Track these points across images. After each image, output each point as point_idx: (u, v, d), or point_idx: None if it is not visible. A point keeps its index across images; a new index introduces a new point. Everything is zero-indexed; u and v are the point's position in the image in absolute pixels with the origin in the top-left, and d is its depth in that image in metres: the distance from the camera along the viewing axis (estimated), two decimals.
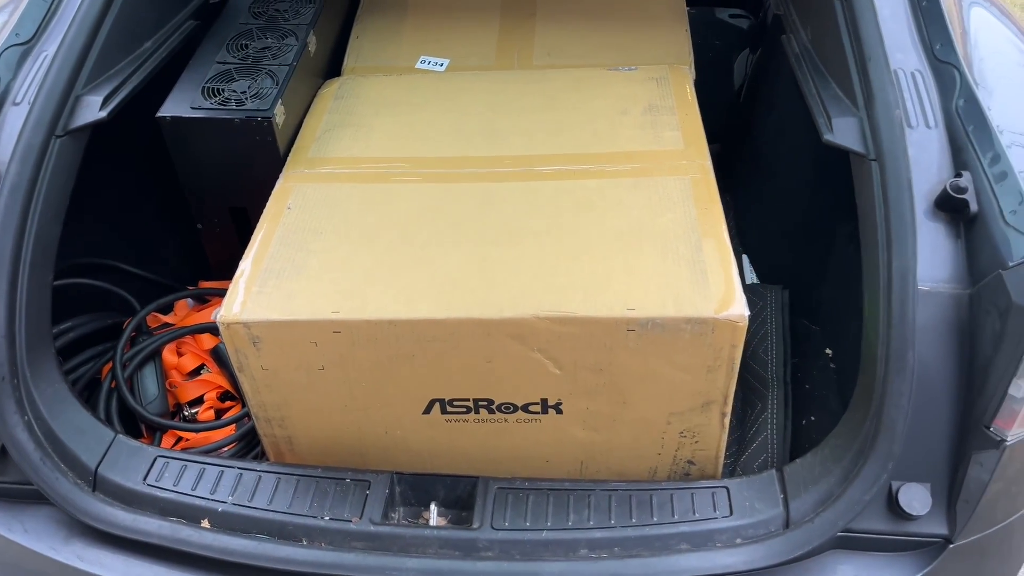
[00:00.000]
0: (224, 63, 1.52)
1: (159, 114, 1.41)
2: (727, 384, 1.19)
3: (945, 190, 1.15)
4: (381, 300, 1.17)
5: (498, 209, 1.31)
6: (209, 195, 1.52)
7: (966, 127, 1.20)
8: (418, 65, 1.73)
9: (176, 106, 1.42)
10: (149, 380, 1.46)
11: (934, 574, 1.14)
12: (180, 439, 1.43)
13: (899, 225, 1.14)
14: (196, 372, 1.54)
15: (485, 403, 1.23)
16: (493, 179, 1.38)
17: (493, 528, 1.15)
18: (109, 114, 1.33)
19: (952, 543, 1.13)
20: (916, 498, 1.12)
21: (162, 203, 1.68)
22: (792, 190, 1.69)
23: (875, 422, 1.11)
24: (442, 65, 1.72)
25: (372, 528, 1.15)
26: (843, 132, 1.26)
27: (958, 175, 1.17)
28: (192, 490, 1.20)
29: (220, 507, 1.19)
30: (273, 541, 1.16)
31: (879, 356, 1.12)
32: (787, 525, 1.15)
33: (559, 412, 1.23)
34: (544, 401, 1.22)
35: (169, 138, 1.44)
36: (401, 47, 1.78)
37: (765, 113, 1.77)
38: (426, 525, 1.18)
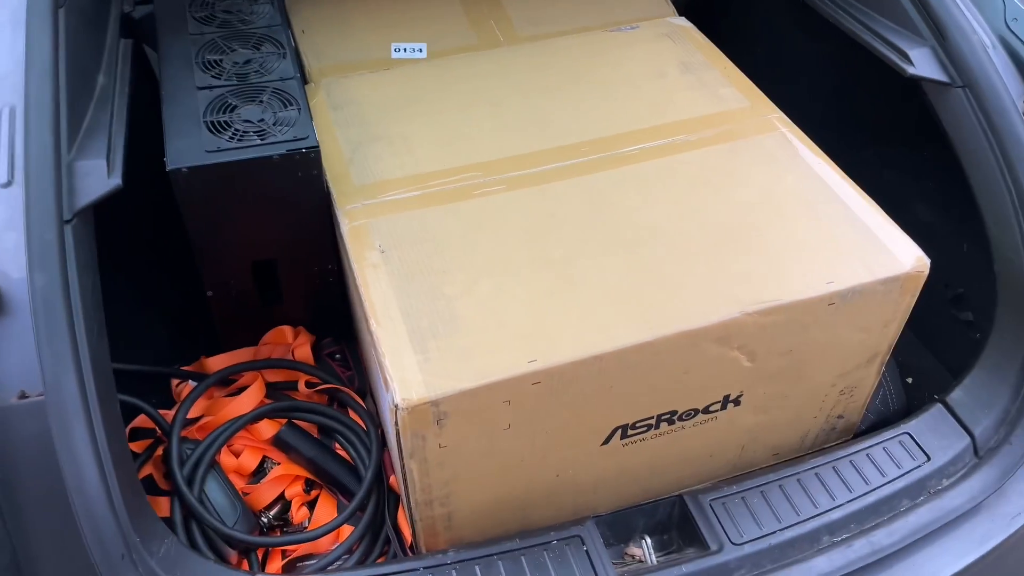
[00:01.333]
0: (210, 88, 1.21)
1: (171, 167, 1.09)
2: (896, 334, 1.19)
3: None
4: (572, 334, 1.01)
5: (613, 203, 1.19)
6: (230, 251, 1.22)
7: None
8: (394, 55, 1.50)
9: (185, 154, 1.11)
10: (219, 494, 1.17)
11: None
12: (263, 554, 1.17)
13: (1017, 145, 1.19)
14: (259, 469, 1.26)
15: (668, 416, 1.13)
16: (583, 171, 1.24)
17: (734, 544, 1.07)
18: (122, 178, 1.01)
19: None
20: None
21: (135, 273, 1.33)
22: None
23: None
24: (421, 50, 1.51)
25: None
26: (923, 63, 1.28)
27: None
28: None
29: None
30: None
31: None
32: (976, 452, 1.18)
33: (737, 404, 1.16)
34: (726, 397, 1.15)
35: (183, 193, 1.12)
36: (361, 37, 1.53)
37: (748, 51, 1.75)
38: (674, 563, 1.06)
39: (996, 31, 1.29)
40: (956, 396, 1.23)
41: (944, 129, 1.28)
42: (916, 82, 1.29)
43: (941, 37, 1.27)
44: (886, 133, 1.50)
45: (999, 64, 1.25)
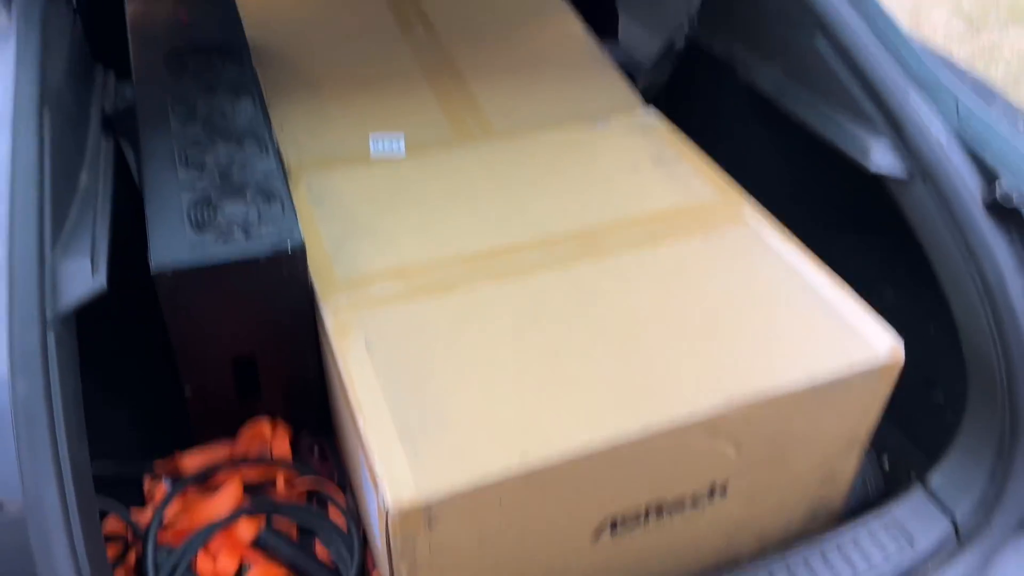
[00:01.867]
0: (192, 185, 1.21)
1: (155, 269, 1.08)
2: (875, 421, 1.21)
3: (994, 196, 1.27)
4: (562, 429, 1.01)
5: (596, 294, 1.21)
6: (210, 348, 1.20)
7: (979, 137, 1.34)
8: (371, 144, 1.52)
9: (169, 254, 1.10)
10: None
11: None
12: None
13: (976, 236, 1.24)
14: (237, 572, 1.22)
15: (656, 508, 1.12)
16: (565, 263, 1.26)
17: None
18: (106, 279, 1.00)
19: None
20: None
21: (110, 370, 1.30)
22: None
23: (1011, 417, 1.20)
24: (399, 141, 1.53)
25: None
26: (883, 159, 1.34)
27: (994, 181, 1.29)
28: None
29: None
30: None
31: (994, 356, 1.21)
32: (957, 536, 1.20)
33: (723, 495, 1.17)
34: (712, 486, 1.15)
35: (166, 294, 1.11)
36: (339, 130, 1.55)
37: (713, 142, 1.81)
38: None
39: (949, 126, 1.36)
40: (936, 480, 1.25)
41: (907, 220, 1.33)
42: (878, 175, 1.35)
43: (899, 132, 1.34)
44: (852, 220, 1.56)
45: (955, 158, 1.31)
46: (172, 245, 1.12)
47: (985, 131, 1.32)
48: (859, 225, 1.54)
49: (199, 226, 1.15)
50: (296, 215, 1.19)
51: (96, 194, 1.14)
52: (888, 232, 1.45)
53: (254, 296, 1.16)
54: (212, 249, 1.11)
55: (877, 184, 1.37)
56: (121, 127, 1.44)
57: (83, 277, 0.99)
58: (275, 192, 1.22)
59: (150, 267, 1.09)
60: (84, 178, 1.16)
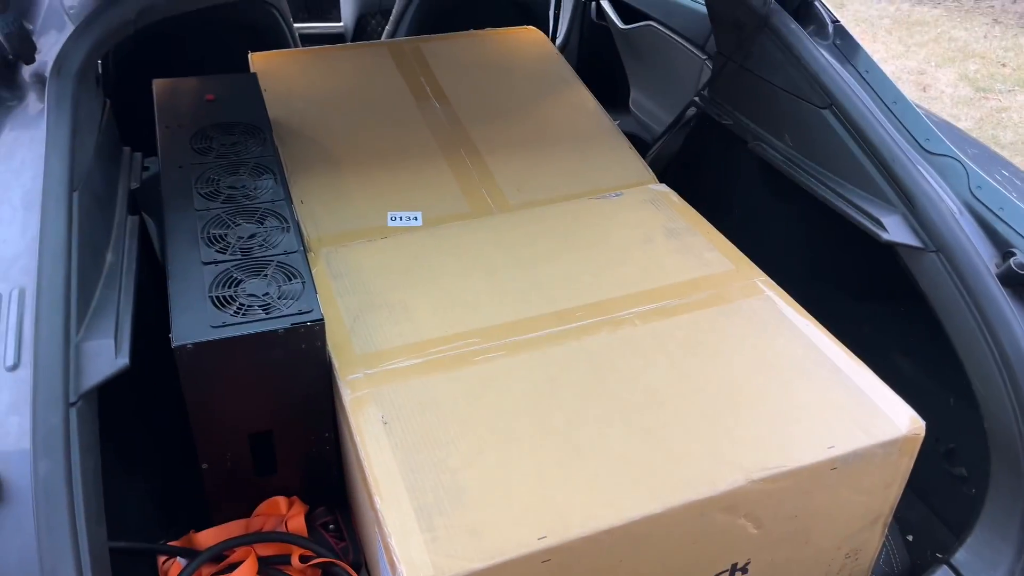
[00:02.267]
0: (215, 263, 1.23)
1: (176, 344, 1.10)
2: (898, 496, 1.19)
3: (1010, 267, 1.28)
4: (580, 508, 1.00)
5: (611, 367, 1.21)
6: (228, 423, 1.21)
7: (993, 210, 1.35)
8: (389, 223, 1.55)
9: (190, 329, 1.12)
10: None
11: None
12: None
13: (993, 307, 1.24)
14: None
15: None
16: (580, 336, 1.27)
17: None
18: (129, 359, 1.02)
19: None
20: None
21: (125, 447, 1.31)
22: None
23: None
24: (416, 219, 1.56)
25: None
26: (896, 230, 1.35)
27: (1009, 254, 1.30)
28: None
29: None
30: None
31: (1015, 427, 1.20)
32: None
33: (745, 573, 1.15)
34: (734, 566, 1.13)
35: (187, 369, 1.13)
36: (358, 206, 1.58)
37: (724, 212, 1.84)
38: None
39: (962, 198, 1.37)
40: (961, 557, 1.22)
41: (921, 291, 1.34)
42: (891, 246, 1.36)
43: (911, 205, 1.35)
44: (865, 291, 1.56)
45: (968, 229, 1.33)
46: (193, 321, 1.13)
47: (998, 202, 1.33)
48: (873, 296, 1.55)
49: (220, 303, 1.16)
50: (315, 291, 1.21)
51: (121, 272, 1.16)
52: (903, 303, 1.45)
53: (272, 371, 1.17)
54: (232, 324, 1.13)
55: (890, 255, 1.38)
56: (144, 200, 1.48)
57: (107, 357, 1.00)
58: (295, 268, 1.24)
59: (171, 342, 1.10)
60: (110, 257, 1.18)
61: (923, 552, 1.40)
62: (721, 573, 1.12)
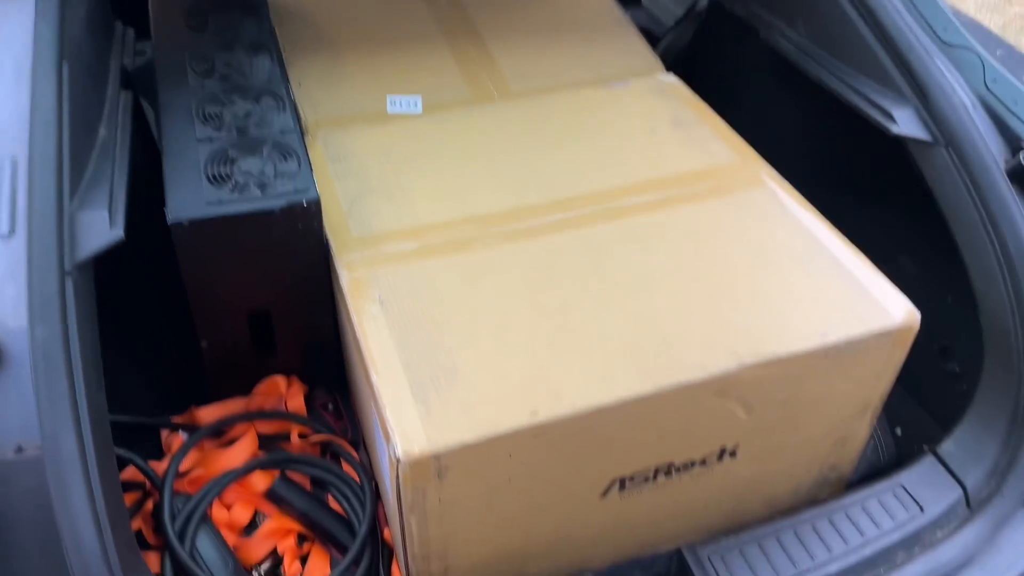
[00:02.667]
0: (210, 140, 1.21)
1: (171, 219, 1.09)
2: (888, 386, 1.20)
3: (1019, 163, 1.25)
4: (573, 387, 1.02)
5: (610, 255, 1.20)
6: (226, 302, 1.22)
7: (1007, 104, 1.31)
8: (388, 106, 1.52)
9: (186, 206, 1.11)
10: (211, 549, 1.15)
11: None
12: None
13: (999, 202, 1.22)
14: (251, 523, 1.24)
15: (665, 468, 1.13)
16: (579, 224, 1.26)
17: None
18: (124, 232, 1.01)
19: None
20: None
21: (128, 323, 1.32)
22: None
23: None
24: (416, 104, 1.53)
25: None
26: (906, 123, 1.32)
27: (1019, 149, 1.27)
28: None
29: None
30: None
31: (1011, 325, 1.20)
32: (968, 504, 1.19)
33: (733, 456, 1.17)
34: (723, 449, 1.15)
35: (183, 245, 1.12)
36: (357, 89, 1.55)
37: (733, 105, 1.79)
38: None
39: (976, 91, 1.33)
40: (947, 447, 1.24)
41: (929, 186, 1.31)
42: (900, 140, 1.33)
43: (923, 97, 1.32)
44: (870, 187, 1.54)
45: (980, 124, 1.29)
46: (189, 197, 1.12)
47: (1013, 96, 1.30)
48: (879, 193, 1.53)
49: (216, 180, 1.15)
50: (312, 171, 1.19)
51: (114, 146, 1.14)
52: (907, 201, 1.43)
53: (269, 250, 1.17)
54: (228, 201, 1.12)
55: (898, 151, 1.35)
56: (140, 83, 1.45)
57: (101, 228, 1.00)
58: (291, 148, 1.22)
59: (166, 218, 1.10)
60: (103, 131, 1.16)
61: (911, 445, 1.43)
62: (709, 455, 1.14)
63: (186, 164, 1.18)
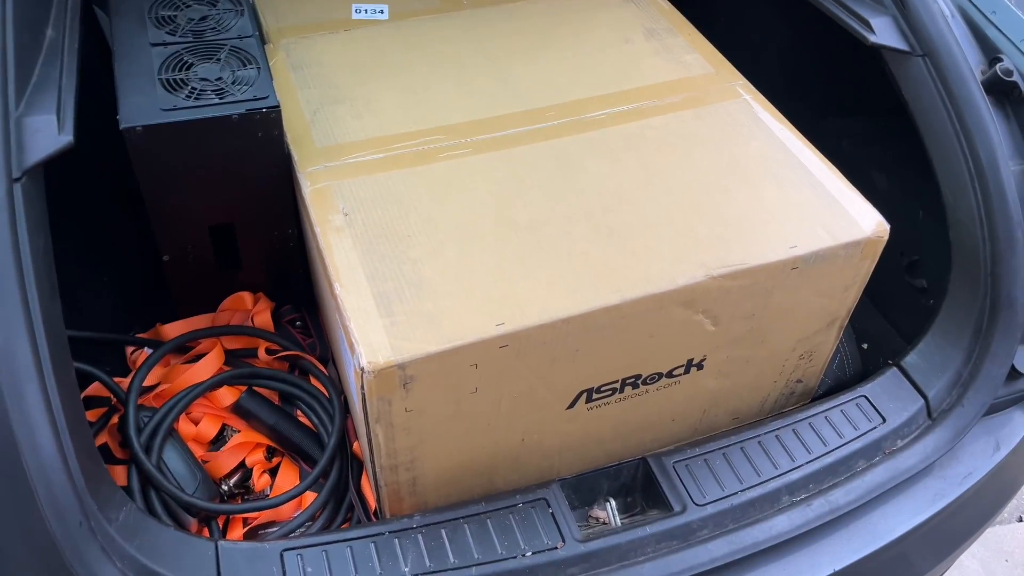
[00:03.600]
0: (164, 44, 1.16)
1: (124, 125, 1.05)
2: (855, 299, 1.21)
3: (995, 74, 1.24)
4: (539, 298, 1.01)
5: (580, 168, 1.18)
6: (186, 215, 1.19)
7: (986, 14, 1.29)
8: (354, 15, 1.47)
9: (139, 111, 1.07)
10: (178, 462, 1.15)
11: None
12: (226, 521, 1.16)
13: (974, 113, 1.21)
14: (219, 437, 1.24)
15: (632, 380, 1.13)
16: (549, 136, 1.23)
17: (697, 505, 1.09)
18: (74, 135, 0.97)
19: None
20: None
21: (89, 238, 1.29)
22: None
23: (991, 300, 1.20)
24: (382, 11, 1.47)
25: (584, 547, 1.03)
26: (884, 32, 1.29)
27: (996, 60, 1.25)
28: None
29: None
30: None
31: (979, 238, 1.20)
32: (929, 414, 1.22)
33: (700, 368, 1.17)
34: (690, 361, 1.16)
35: (137, 153, 1.08)
36: None
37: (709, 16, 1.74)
38: (638, 524, 1.07)
39: (955, 1, 1.30)
40: (911, 360, 1.26)
41: (904, 97, 1.29)
42: (877, 50, 1.30)
43: (901, 6, 1.29)
44: (846, 102, 1.52)
45: (958, 33, 1.27)
46: (142, 103, 1.08)
47: (991, 6, 1.27)
48: (853, 107, 1.51)
49: (171, 86, 1.11)
50: (271, 77, 1.15)
51: (62, 50, 1.09)
52: (881, 116, 1.42)
53: (228, 160, 1.14)
54: (183, 108, 1.08)
55: (874, 63, 1.33)
56: None
57: (49, 133, 0.96)
58: (250, 54, 1.18)
59: (119, 125, 1.06)
60: (50, 33, 1.11)
61: (876, 359, 1.45)
62: (677, 367, 1.15)
63: (139, 69, 1.13)
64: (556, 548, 1.03)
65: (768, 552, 1.07)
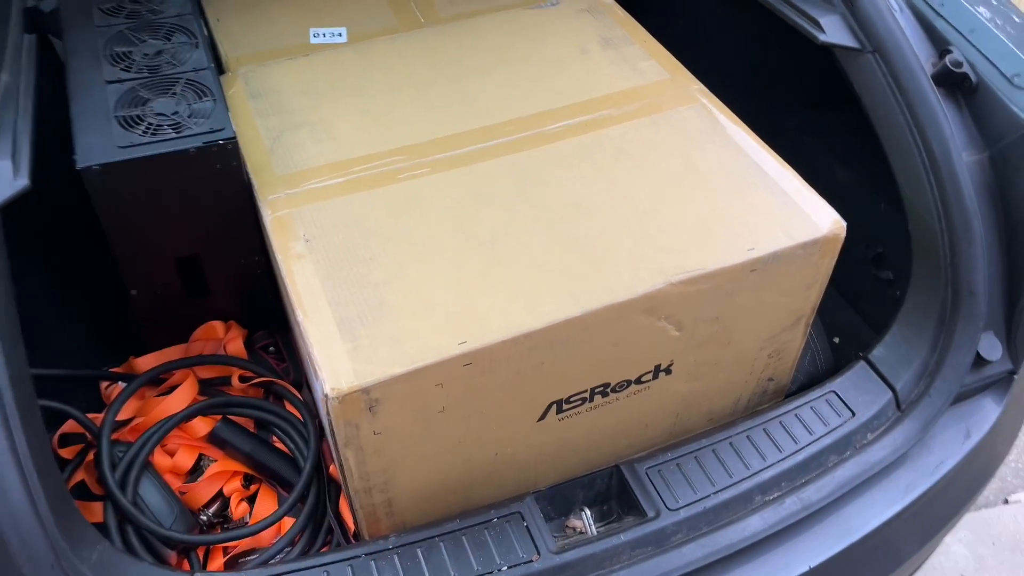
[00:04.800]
0: (120, 81, 1.17)
1: (81, 165, 1.06)
2: (819, 296, 1.22)
3: (945, 65, 1.25)
4: (501, 314, 1.02)
5: (539, 181, 1.19)
6: (150, 249, 1.19)
7: (934, 6, 1.30)
8: (312, 40, 1.47)
9: (96, 150, 1.07)
10: (155, 495, 1.15)
11: (1009, 404, 1.29)
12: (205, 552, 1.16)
13: (925, 107, 1.22)
14: (196, 467, 1.24)
15: (601, 388, 1.14)
16: (508, 151, 1.24)
17: (670, 509, 1.09)
18: (31, 179, 0.98)
19: (1015, 374, 1.29)
20: (991, 346, 1.25)
21: (56, 277, 1.29)
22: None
23: (953, 290, 1.21)
24: (341, 35, 1.48)
25: (559, 559, 1.04)
26: (834, 31, 1.30)
27: (945, 52, 1.27)
28: None
29: None
30: None
31: (937, 230, 1.21)
32: (898, 406, 1.23)
33: (669, 373, 1.18)
34: (657, 367, 1.17)
35: (96, 191, 1.09)
36: (277, 23, 1.50)
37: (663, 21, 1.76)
38: (613, 532, 1.08)
39: None
40: (878, 353, 1.27)
41: (857, 93, 1.31)
42: (828, 49, 1.31)
43: (850, 3, 1.30)
44: (804, 100, 1.54)
45: (907, 27, 1.28)
46: (98, 141, 1.09)
47: (947, 2, 1.29)
48: (812, 104, 1.52)
49: (127, 123, 1.11)
50: (227, 109, 1.16)
51: (17, 93, 1.10)
52: (840, 111, 1.43)
53: (189, 193, 1.14)
54: (140, 144, 1.09)
55: (829, 61, 1.34)
56: (53, 25, 1.38)
57: (4, 178, 0.96)
58: (206, 86, 1.18)
59: (76, 164, 1.06)
60: (5, 77, 1.11)
61: (848, 353, 1.46)
62: (645, 374, 1.16)
63: (95, 107, 1.13)
64: (531, 561, 1.04)
65: (743, 553, 1.08)
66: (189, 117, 1.13)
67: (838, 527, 1.12)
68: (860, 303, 1.49)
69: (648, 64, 1.40)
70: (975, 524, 1.99)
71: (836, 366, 1.45)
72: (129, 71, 1.19)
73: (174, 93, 1.16)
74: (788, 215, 1.14)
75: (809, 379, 1.43)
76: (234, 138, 1.12)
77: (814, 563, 1.09)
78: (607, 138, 1.26)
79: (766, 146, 1.24)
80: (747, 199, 1.16)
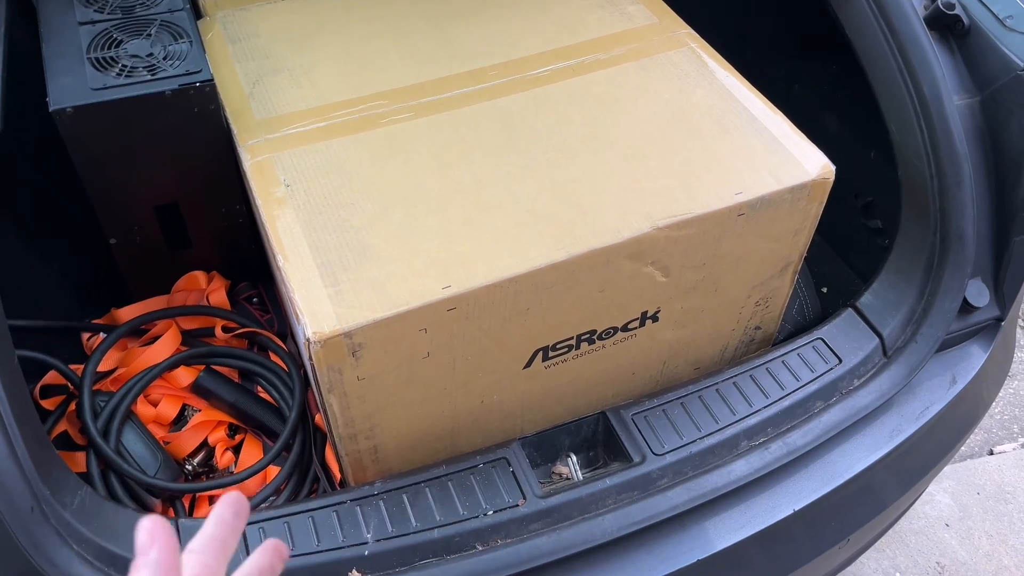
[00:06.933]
0: (92, 22, 1.14)
1: (54, 107, 1.03)
2: (807, 242, 1.21)
3: (937, 7, 1.23)
4: (486, 259, 1.00)
5: (524, 126, 1.17)
6: (128, 196, 1.17)
7: None
8: None
9: (69, 92, 1.04)
10: (138, 444, 1.14)
11: (995, 351, 1.29)
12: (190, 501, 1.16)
13: (916, 50, 1.20)
14: (180, 418, 1.23)
15: (587, 336, 1.13)
16: (493, 95, 1.21)
17: (656, 454, 1.09)
18: (4, 121, 0.95)
19: (1003, 321, 1.29)
20: (979, 292, 1.25)
21: (35, 226, 1.27)
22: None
23: (941, 235, 1.20)
24: None
25: (545, 503, 1.04)
26: None
27: None
28: (318, 546, 0.99)
29: (366, 550, 0.99)
30: (445, 561, 1.00)
31: (927, 174, 1.20)
32: (885, 352, 1.23)
33: (655, 321, 1.18)
34: (644, 314, 1.16)
35: (70, 135, 1.06)
36: None
37: None
38: (599, 477, 1.08)
39: None
40: (865, 300, 1.26)
41: (848, 37, 1.29)
42: None
43: None
44: (796, 45, 1.51)
45: None
46: (71, 84, 1.06)
47: None
48: (802, 51, 1.50)
49: (100, 64, 1.08)
50: (204, 51, 1.13)
51: None
52: (830, 58, 1.41)
53: (166, 138, 1.12)
54: (114, 86, 1.06)
55: (821, 5, 1.32)
56: None
57: None
58: (182, 28, 1.15)
59: (48, 107, 1.04)
60: None
61: (836, 303, 1.45)
62: (632, 321, 1.15)
63: (67, 49, 1.10)
64: (517, 505, 1.04)
65: (728, 496, 1.08)
66: (164, 59, 1.10)
67: (823, 471, 1.13)
68: (849, 253, 1.49)
69: (636, 8, 1.37)
70: (960, 474, 2.01)
71: (824, 315, 1.45)
72: (102, 12, 1.16)
73: (148, 35, 1.13)
74: (777, 159, 1.12)
75: (797, 329, 1.42)
76: (211, 80, 1.09)
77: (798, 506, 1.10)
78: (593, 83, 1.23)
79: (755, 90, 1.22)
80: (736, 143, 1.15)
